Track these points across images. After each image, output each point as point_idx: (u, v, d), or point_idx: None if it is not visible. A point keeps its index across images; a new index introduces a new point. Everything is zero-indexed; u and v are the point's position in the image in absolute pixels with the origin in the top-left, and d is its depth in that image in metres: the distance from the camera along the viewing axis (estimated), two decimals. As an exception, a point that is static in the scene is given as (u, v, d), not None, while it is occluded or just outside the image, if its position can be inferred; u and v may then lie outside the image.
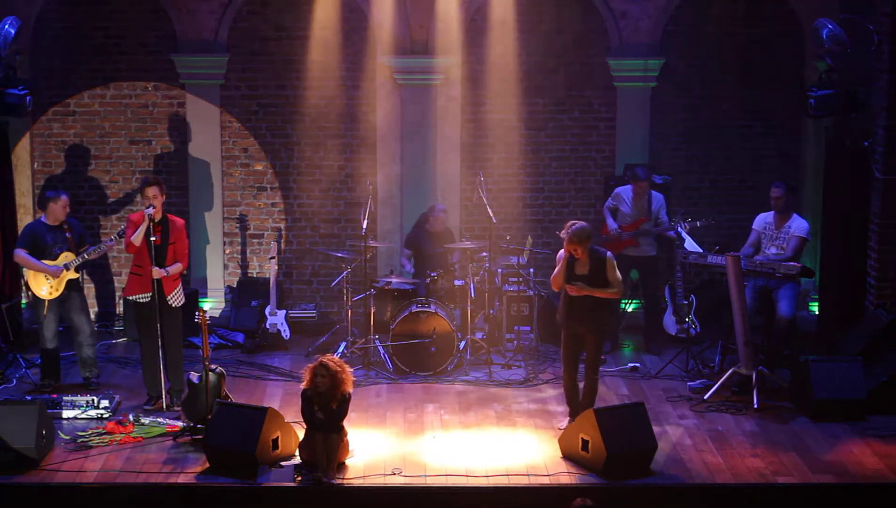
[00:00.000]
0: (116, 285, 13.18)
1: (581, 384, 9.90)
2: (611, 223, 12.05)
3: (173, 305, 10.40)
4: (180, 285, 10.50)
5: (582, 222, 9.70)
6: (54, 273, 10.62)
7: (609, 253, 9.72)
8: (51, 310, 10.74)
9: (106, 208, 13.14)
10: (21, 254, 10.67)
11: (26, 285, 10.91)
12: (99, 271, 13.05)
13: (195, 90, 12.92)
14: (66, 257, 10.67)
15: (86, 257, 10.73)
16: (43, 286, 10.66)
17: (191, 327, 10.91)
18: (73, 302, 10.77)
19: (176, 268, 10.36)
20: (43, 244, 10.67)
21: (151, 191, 10.23)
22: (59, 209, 10.72)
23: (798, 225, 10.91)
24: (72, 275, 10.71)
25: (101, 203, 13.13)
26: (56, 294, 10.68)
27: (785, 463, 9.25)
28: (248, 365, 11.70)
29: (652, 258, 12.16)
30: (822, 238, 12.21)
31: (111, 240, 10.80)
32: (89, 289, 12.88)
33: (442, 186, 12.97)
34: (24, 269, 10.79)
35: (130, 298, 10.45)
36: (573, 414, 9.87)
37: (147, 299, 10.30)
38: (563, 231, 9.64)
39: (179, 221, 10.53)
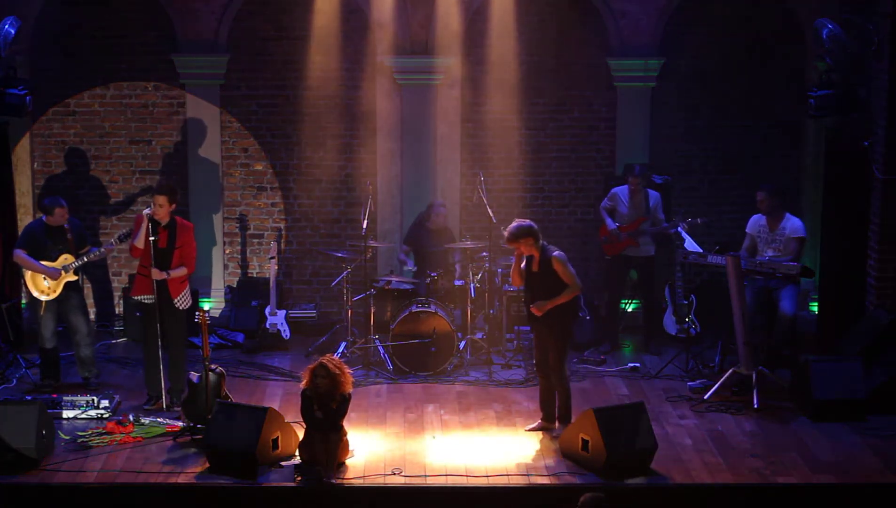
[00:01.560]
0: (116, 285, 13.18)
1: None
2: (610, 223, 12.04)
3: (180, 307, 10.40)
4: (188, 288, 10.48)
5: (521, 221, 9.70)
6: (52, 275, 10.62)
7: (556, 252, 9.64)
8: (48, 310, 10.74)
9: (106, 208, 13.13)
10: (20, 254, 10.67)
11: (25, 285, 10.91)
12: (99, 271, 13.04)
13: (195, 90, 12.92)
14: (65, 259, 10.66)
15: (85, 260, 10.73)
16: (41, 287, 10.66)
17: (191, 327, 10.90)
18: (70, 302, 10.77)
19: (178, 271, 10.34)
20: (42, 245, 10.67)
21: (159, 199, 10.23)
22: (57, 219, 10.70)
23: (793, 226, 10.91)
24: (70, 277, 10.70)
25: (101, 203, 13.13)
26: (53, 296, 10.68)
27: (785, 463, 9.25)
28: (248, 365, 11.70)
29: (651, 258, 12.16)
30: (822, 238, 12.20)
31: (111, 244, 10.79)
32: (88, 289, 12.87)
33: (442, 186, 12.97)
34: (23, 269, 10.79)
35: (136, 298, 10.45)
36: (545, 418, 9.91)
37: (151, 301, 10.30)
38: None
39: (188, 225, 10.51)
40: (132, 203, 13.08)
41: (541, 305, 9.58)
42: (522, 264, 9.77)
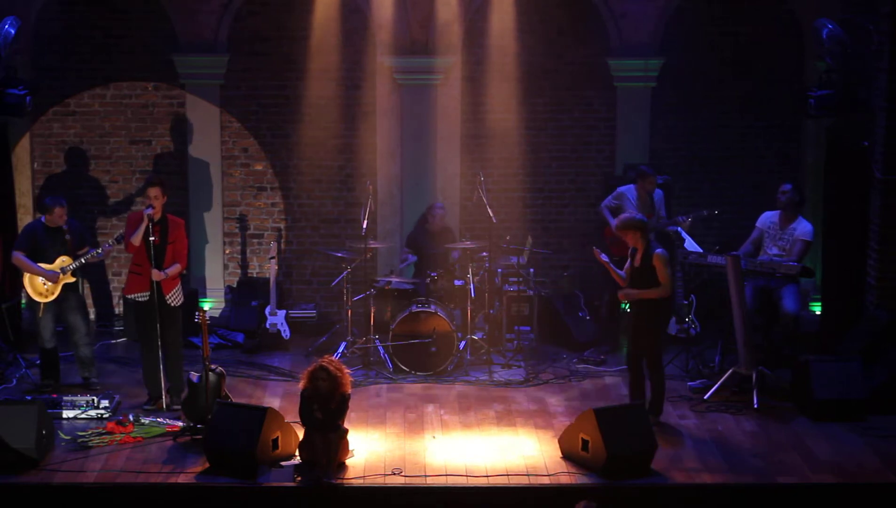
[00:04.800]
0: (115, 285, 13.18)
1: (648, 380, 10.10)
2: (613, 223, 12.01)
3: (172, 304, 10.39)
4: (179, 285, 10.49)
5: (636, 213, 10.16)
6: (51, 278, 10.60)
7: (660, 249, 9.82)
8: (47, 311, 10.72)
9: (106, 208, 13.14)
10: (19, 256, 10.64)
11: (23, 287, 10.90)
12: (98, 271, 13.03)
13: (195, 90, 12.92)
14: (62, 261, 10.63)
15: (82, 261, 10.71)
16: (39, 289, 10.64)
17: (191, 327, 10.91)
18: (69, 302, 10.75)
19: (174, 269, 10.34)
20: (41, 246, 10.65)
21: (153, 191, 10.23)
22: (56, 218, 10.69)
23: (803, 229, 10.91)
24: (68, 279, 10.69)
25: (101, 203, 13.13)
26: (52, 297, 10.66)
27: (785, 463, 9.25)
28: (248, 365, 11.70)
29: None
30: (822, 238, 12.19)
31: (109, 245, 10.76)
32: (88, 289, 12.86)
33: (442, 186, 12.97)
34: (22, 271, 10.78)
35: (130, 297, 10.45)
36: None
37: (146, 299, 10.29)
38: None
39: (179, 220, 10.52)
40: (132, 203, 13.08)
41: (628, 293, 9.88)
42: (622, 270, 10.01)
